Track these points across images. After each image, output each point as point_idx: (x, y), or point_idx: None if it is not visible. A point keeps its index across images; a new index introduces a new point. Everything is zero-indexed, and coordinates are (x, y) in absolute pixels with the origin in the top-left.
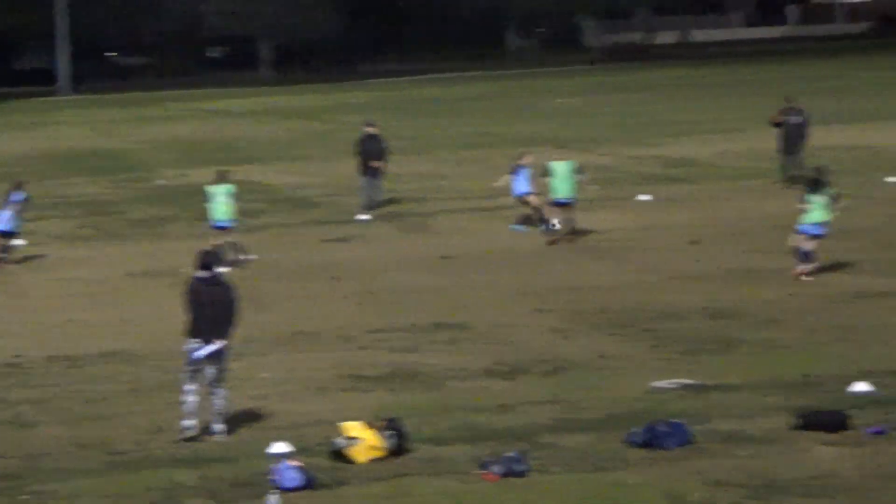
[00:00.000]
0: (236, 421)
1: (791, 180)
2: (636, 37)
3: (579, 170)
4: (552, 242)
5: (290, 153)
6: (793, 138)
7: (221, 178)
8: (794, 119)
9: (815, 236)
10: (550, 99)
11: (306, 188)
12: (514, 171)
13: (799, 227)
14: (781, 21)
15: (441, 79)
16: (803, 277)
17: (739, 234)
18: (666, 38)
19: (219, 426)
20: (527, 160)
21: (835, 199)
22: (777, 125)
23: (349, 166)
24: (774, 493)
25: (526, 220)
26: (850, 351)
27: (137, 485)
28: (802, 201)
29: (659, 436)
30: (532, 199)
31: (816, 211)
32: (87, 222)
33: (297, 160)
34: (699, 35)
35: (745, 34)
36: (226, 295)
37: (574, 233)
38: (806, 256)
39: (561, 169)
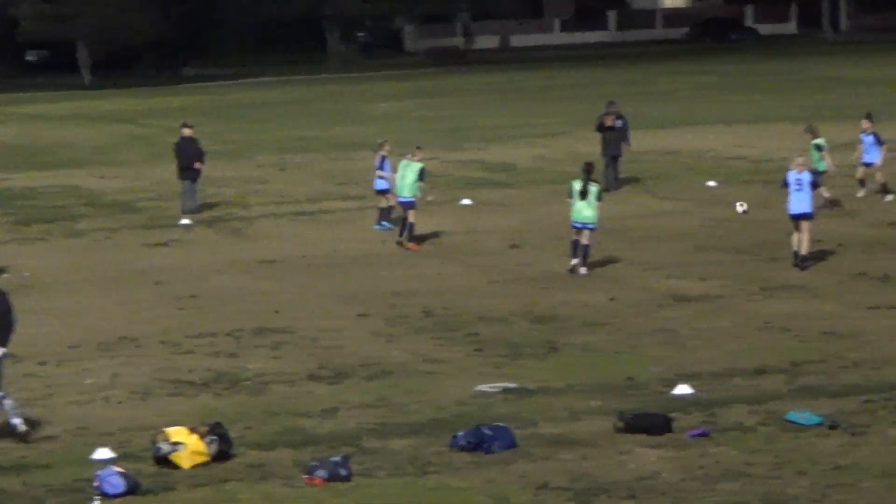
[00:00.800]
0: (60, 427)
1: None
2: (457, 42)
3: (422, 175)
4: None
5: (110, 157)
6: (612, 143)
7: None
8: (616, 124)
9: (583, 230)
10: (372, 103)
11: (127, 192)
12: (380, 163)
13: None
14: (601, 26)
15: (263, 83)
16: (581, 270)
17: (559, 239)
18: (486, 43)
19: (16, 420)
20: (386, 149)
21: (599, 196)
22: (608, 128)
23: (169, 171)
24: (598, 496)
25: (386, 217)
26: (671, 354)
27: None
28: (569, 195)
29: (484, 439)
30: (391, 196)
31: (582, 206)
32: None
33: (118, 164)
34: (519, 40)
35: (565, 39)
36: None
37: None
38: (575, 249)
39: (409, 170)
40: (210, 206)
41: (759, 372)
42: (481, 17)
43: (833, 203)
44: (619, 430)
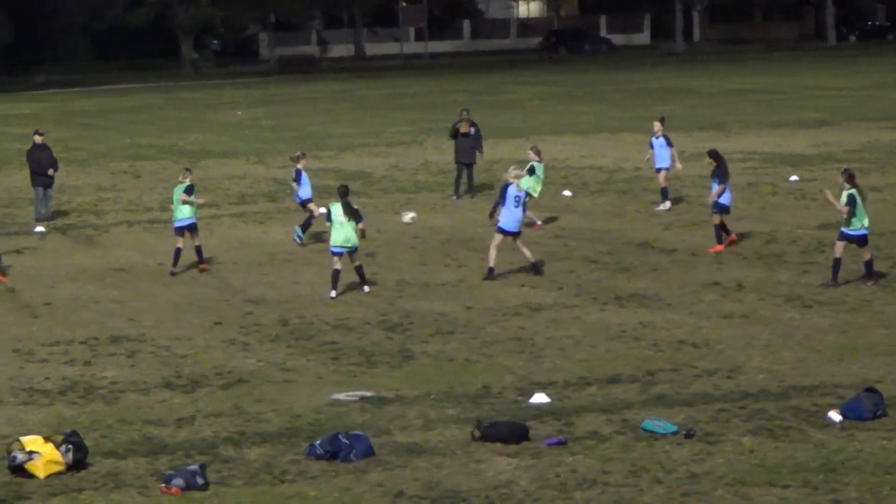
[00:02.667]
0: None
1: (467, 192)
2: (311, 49)
3: (189, 190)
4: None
5: None
6: (466, 151)
7: None
8: (471, 131)
9: (342, 254)
10: (224, 111)
11: None
12: (297, 176)
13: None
14: (456, 35)
15: (114, 89)
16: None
17: (412, 247)
18: (341, 51)
19: None
20: (303, 163)
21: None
22: (464, 135)
23: (16, 178)
24: None
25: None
26: (525, 363)
27: None
28: (328, 219)
29: (341, 448)
30: (312, 205)
31: (342, 230)
32: None
33: None
34: (373, 48)
35: (419, 48)
36: None
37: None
38: (335, 277)
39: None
40: (63, 213)
41: (614, 380)
42: (335, 26)
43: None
44: (475, 439)
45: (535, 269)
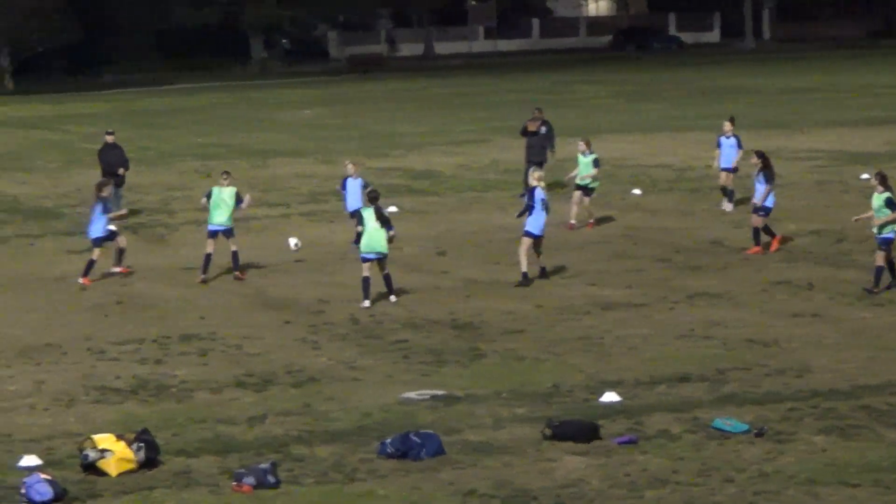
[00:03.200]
0: None
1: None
2: (380, 49)
3: (239, 199)
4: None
5: (26, 163)
6: (536, 149)
7: None
8: (540, 130)
9: (372, 260)
10: (293, 110)
11: (47, 198)
12: (343, 184)
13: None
14: (525, 34)
15: (182, 89)
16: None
17: (482, 246)
18: (410, 50)
19: None
20: (352, 169)
21: (387, 223)
22: (532, 133)
23: (87, 177)
24: (525, 503)
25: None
26: (595, 362)
27: None
28: (360, 223)
29: (412, 447)
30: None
31: (373, 236)
32: None
33: (35, 170)
34: (443, 48)
35: (488, 47)
36: None
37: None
38: (366, 284)
39: (222, 195)
40: (134, 212)
41: (684, 379)
42: (405, 25)
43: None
44: (546, 437)
45: (542, 273)
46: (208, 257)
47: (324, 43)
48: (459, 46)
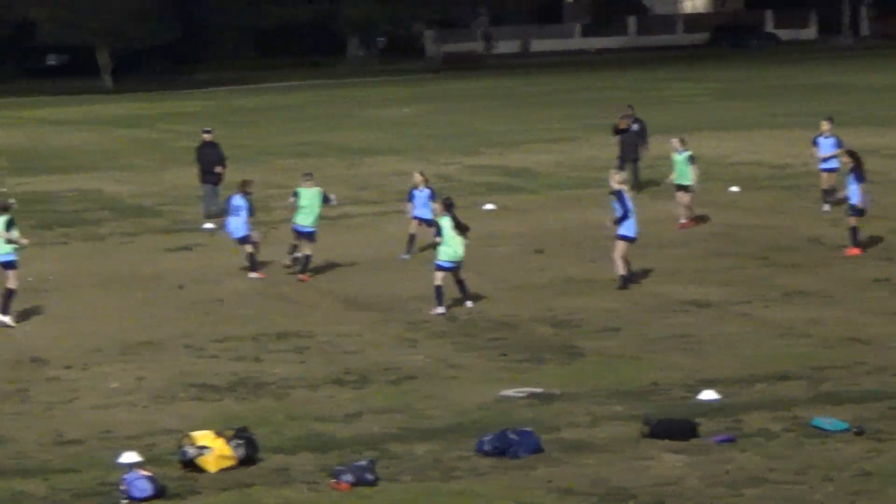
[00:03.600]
0: (84, 431)
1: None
2: (476, 46)
3: (326, 197)
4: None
5: (125, 162)
6: (630, 147)
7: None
8: (632, 127)
9: (450, 270)
10: (388, 108)
11: (145, 197)
12: (410, 196)
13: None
14: (621, 31)
15: (278, 87)
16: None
17: (579, 244)
18: (506, 47)
19: None
20: (418, 179)
21: (463, 230)
22: (622, 131)
23: (184, 175)
24: (623, 501)
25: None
26: (693, 360)
27: None
28: (438, 234)
29: (509, 444)
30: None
31: (451, 246)
32: None
33: (133, 169)
34: (539, 45)
35: (585, 44)
36: None
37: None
38: (439, 293)
39: (307, 195)
40: None
41: (782, 377)
42: (501, 22)
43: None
44: (644, 435)
45: (624, 282)
46: (293, 247)
47: (420, 41)
48: (556, 44)
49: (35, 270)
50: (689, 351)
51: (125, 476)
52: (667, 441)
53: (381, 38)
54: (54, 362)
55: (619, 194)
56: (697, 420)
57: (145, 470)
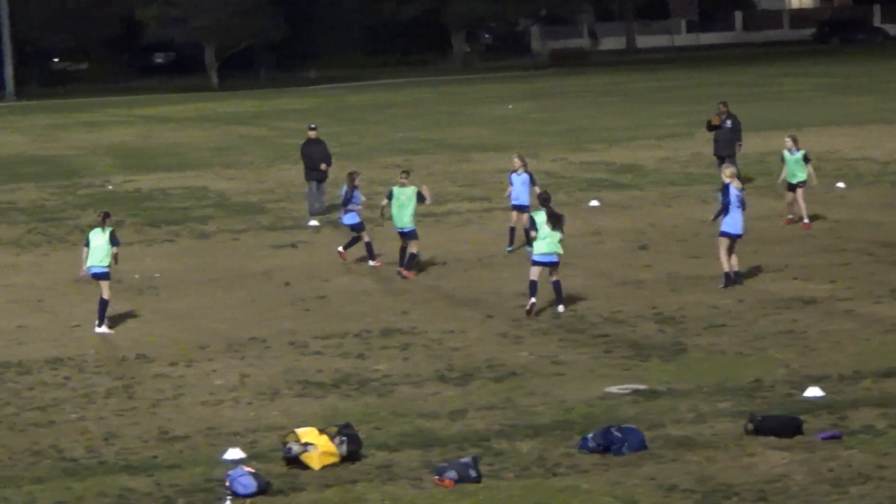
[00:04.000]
0: (189, 427)
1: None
2: (581, 43)
3: (420, 197)
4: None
5: (233, 159)
6: (724, 143)
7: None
8: (726, 124)
9: (544, 265)
10: (494, 105)
11: (252, 194)
12: (509, 179)
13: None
14: (727, 27)
15: (385, 84)
16: (559, 309)
17: (684, 240)
18: (611, 44)
19: None
20: (517, 163)
21: (559, 223)
22: (716, 128)
23: (291, 172)
24: (728, 498)
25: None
26: (798, 356)
27: (90, 491)
28: (533, 228)
29: (613, 441)
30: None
31: (546, 240)
32: (33, 229)
33: (241, 166)
34: (644, 41)
35: (691, 40)
36: None
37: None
38: (533, 288)
39: (404, 195)
40: (337, 207)
41: (889, 374)
42: (606, 19)
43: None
44: (748, 432)
45: (735, 278)
46: (402, 250)
47: (525, 37)
48: (661, 40)
49: (142, 268)
50: (795, 347)
51: (229, 472)
52: (772, 438)
53: (487, 35)
54: (160, 359)
55: (724, 188)
56: (802, 417)
57: (249, 466)
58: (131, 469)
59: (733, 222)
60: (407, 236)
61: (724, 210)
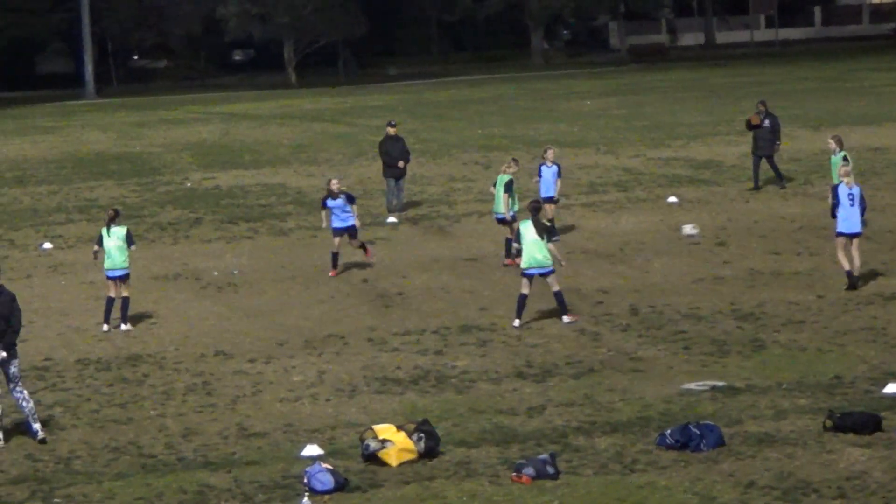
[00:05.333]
0: (268, 424)
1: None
2: (661, 38)
3: (510, 185)
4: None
5: (312, 156)
6: (763, 142)
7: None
8: (765, 123)
9: (535, 276)
10: (574, 101)
11: None
12: (538, 171)
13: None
14: (807, 22)
15: (464, 81)
16: (564, 319)
17: (763, 236)
18: (690, 39)
19: (36, 426)
20: (551, 155)
21: (552, 233)
22: (755, 127)
23: (371, 169)
24: (807, 495)
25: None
26: (878, 353)
27: (170, 487)
28: (517, 240)
29: (692, 438)
30: (548, 206)
31: (533, 250)
32: None
33: (321, 163)
34: (723, 37)
35: (770, 35)
36: (8, 305)
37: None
38: (521, 304)
39: (500, 182)
40: (415, 204)
41: None
42: (685, 14)
43: None
44: (827, 429)
45: (851, 282)
46: (507, 241)
47: (604, 33)
48: (740, 35)
49: (221, 265)
50: (875, 344)
51: (307, 469)
52: (851, 435)
53: (566, 31)
54: (239, 355)
55: (834, 188)
56: (882, 414)
57: (327, 463)
58: (210, 465)
59: (844, 221)
60: (501, 223)
61: (834, 210)
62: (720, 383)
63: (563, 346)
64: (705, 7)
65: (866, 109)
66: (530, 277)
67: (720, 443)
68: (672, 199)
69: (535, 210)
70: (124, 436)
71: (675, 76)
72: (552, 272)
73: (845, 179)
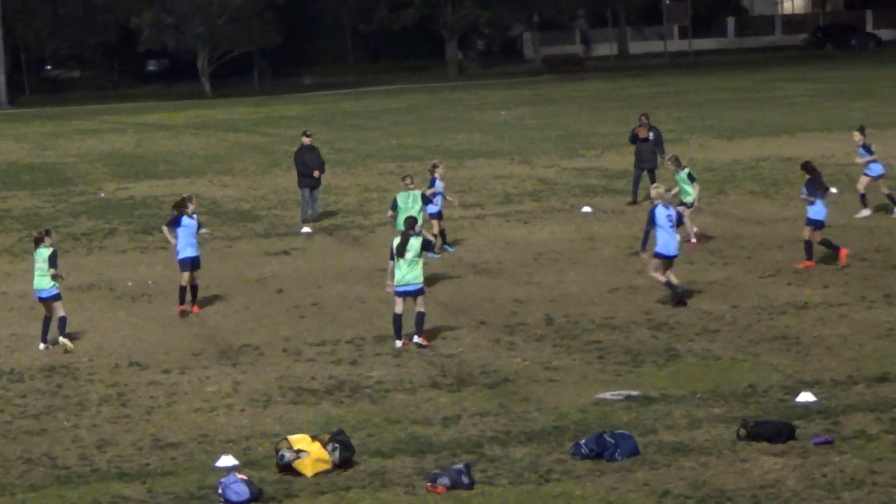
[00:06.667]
0: (183, 435)
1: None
2: (575, 49)
3: (425, 200)
4: None
5: (227, 166)
6: (647, 155)
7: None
8: (649, 136)
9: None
10: (489, 111)
11: (245, 201)
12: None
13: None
14: (720, 33)
15: (380, 91)
16: (415, 339)
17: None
18: (604, 50)
19: None
20: (440, 172)
21: (431, 248)
22: (643, 140)
23: (286, 179)
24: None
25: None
26: (792, 362)
27: (84, 499)
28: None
29: (606, 447)
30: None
31: (404, 267)
32: (26, 236)
33: (235, 173)
34: (637, 47)
35: (683, 46)
36: None
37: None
38: (398, 324)
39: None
40: (330, 214)
41: (882, 379)
42: (599, 25)
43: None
44: (741, 438)
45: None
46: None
47: (519, 44)
48: (654, 46)
49: (136, 275)
50: (788, 353)
51: (222, 480)
52: (765, 443)
53: (480, 42)
54: (153, 366)
55: (651, 211)
56: (796, 422)
57: (242, 474)
58: (124, 476)
59: (665, 243)
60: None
61: (647, 232)
62: (635, 392)
63: (478, 356)
64: (619, 18)
65: (780, 119)
66: (400, 295)
67: (635, 452)
68: (586, 208)
69: (412, 225)
70: (38, 447)
71: (589, 86)
72: (421, 292)
73: (661, 200)
